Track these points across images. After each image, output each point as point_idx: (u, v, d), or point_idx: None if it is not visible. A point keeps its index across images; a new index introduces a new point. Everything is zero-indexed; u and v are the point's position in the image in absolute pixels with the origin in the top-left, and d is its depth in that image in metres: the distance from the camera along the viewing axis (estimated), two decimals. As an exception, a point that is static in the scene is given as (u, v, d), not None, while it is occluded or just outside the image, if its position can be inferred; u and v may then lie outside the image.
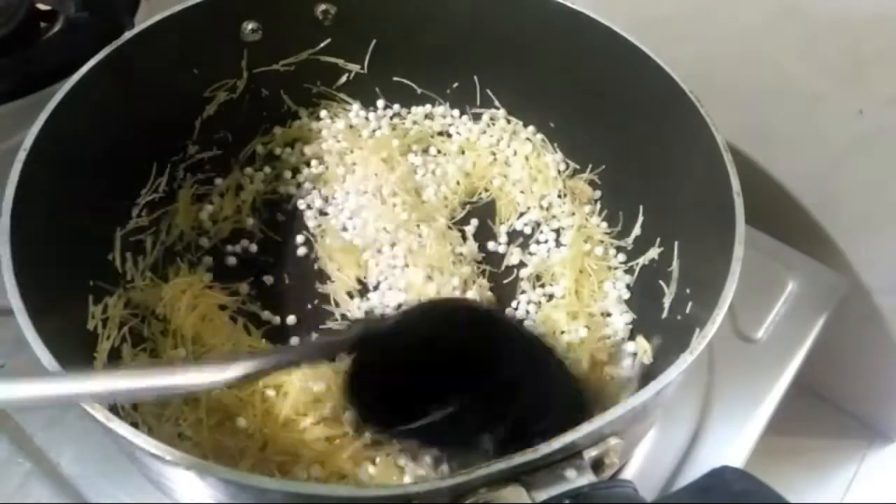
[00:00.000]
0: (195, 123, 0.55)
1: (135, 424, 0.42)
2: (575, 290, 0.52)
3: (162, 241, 0.52)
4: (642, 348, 0.47)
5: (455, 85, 0.59)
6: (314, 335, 0.50)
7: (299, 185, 0.57)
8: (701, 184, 0.44)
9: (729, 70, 0.58)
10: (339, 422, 0.44)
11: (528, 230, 0.56)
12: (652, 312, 0.48)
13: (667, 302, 0.47)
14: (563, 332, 0.50)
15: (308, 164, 0.58)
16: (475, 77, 0.58)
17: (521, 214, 0.57)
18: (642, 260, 0.51)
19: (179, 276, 0.50)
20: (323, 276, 0.53)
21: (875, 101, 0.53)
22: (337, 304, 0.51)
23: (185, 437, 0.43)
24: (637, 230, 0.52)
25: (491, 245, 0.55)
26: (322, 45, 0.56)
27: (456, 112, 0.60)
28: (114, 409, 0.41)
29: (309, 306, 0.52)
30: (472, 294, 0.50)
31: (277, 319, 0.51)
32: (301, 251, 0.54)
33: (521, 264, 0.54)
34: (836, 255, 0.62)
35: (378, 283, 0.52)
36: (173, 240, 0.53)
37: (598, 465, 0.32)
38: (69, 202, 0.44)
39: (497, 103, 0.59)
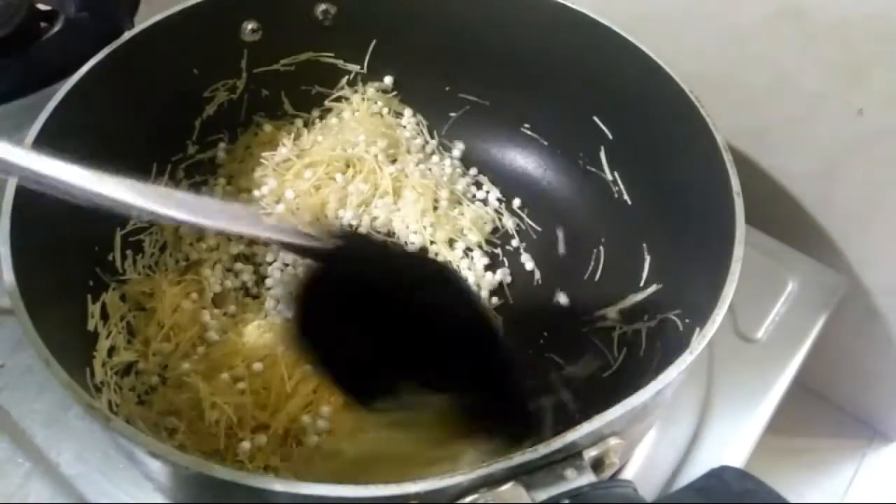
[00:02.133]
0: (195, 123, 0.55)
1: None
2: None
3: (156, 241, 0.52)
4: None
5: (455, 85, 0.59)
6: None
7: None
8: (701, 184, 0.44)
9: (729, 70, 0.58)
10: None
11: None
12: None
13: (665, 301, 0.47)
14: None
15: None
16: (474, 78, 0.58)
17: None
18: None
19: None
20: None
21: (875, 101, 0.53)
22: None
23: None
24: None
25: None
26: (322, 45, 0.56)
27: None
28: (113, 409, 0.42)
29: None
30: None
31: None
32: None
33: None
34: (836, 255, 0.62)
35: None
36: (170, 239, 0.52)
37: (598, 465, 0.32)
38: (69, 202, 0.44)
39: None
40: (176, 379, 0.46)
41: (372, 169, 0.56)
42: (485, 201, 0.58)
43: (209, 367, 0.46)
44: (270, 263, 0.53)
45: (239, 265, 0.53)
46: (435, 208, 0.56)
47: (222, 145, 0.57)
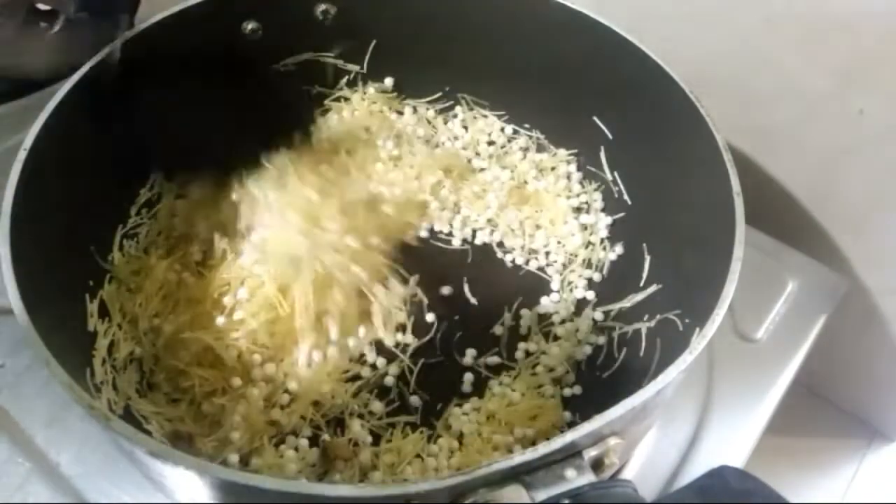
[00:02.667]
0: (195, 123, 0.55)
1: (136, 424, 0.42)
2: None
3: (150, 229, 0.52)
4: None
5: (454, 84, 0.59)
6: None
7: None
8: (701, 184, 0.44)
9: (729, 70, 0.58)
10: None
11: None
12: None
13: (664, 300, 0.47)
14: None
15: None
16: (474, 77, 0.58)
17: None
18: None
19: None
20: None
21: (875, 101, 0.53)
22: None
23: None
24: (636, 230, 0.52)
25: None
26: (322, 45, 0.56)
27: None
28: (113, 409, 0.42)
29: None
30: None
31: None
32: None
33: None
34: (836, 255, 0.62)
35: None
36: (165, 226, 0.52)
37: (598, 465, 0.32)
38: (69, 202, 0.44)
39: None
40: (172, 341, 0.46)
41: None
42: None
43: (197, 315, 0.47)
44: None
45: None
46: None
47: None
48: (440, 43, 0.56)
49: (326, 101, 0.59)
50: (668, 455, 0.48)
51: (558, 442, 0.31)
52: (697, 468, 0.47)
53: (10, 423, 0.46)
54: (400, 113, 0.60)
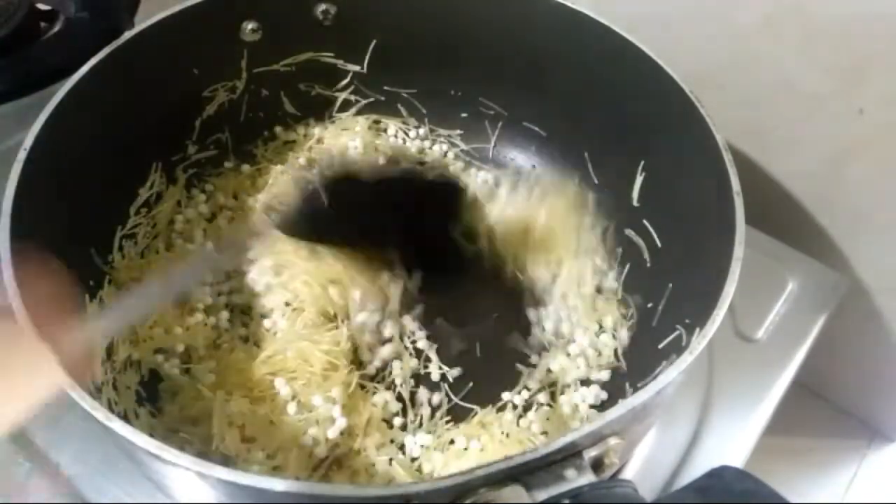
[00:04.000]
0: (195, 123, 0.55)
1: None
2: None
3: (152, 230, 0.52)
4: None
5: (454, 83, 0.59)
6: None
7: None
8: (701, 184, 0.44)
9: (729, 70, 0.58)
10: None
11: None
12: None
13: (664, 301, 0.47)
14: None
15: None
16: (474, 77, 0.58)
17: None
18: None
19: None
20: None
21: (875, 101, 0.53)
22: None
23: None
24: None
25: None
26: (322, 45, 0.56)
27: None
28: (113, 409, 0.42)
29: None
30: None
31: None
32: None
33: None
34: (836, 255, 0.62)
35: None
36: (163, 229, 0.53)
37: (598, 465, 0.32)
38: (69, 202, 0.44)
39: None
40: (191, 385, 0.46)
41: None
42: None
43: (224, 380, 0.46)
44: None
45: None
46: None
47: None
48: (439, 43, 0.56)
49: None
50: (668, 455, 0.48)
51: (558, 442, 0.31)
52: (697, 468, 0.47)
53: (10, 423, 0.46)
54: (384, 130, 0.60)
